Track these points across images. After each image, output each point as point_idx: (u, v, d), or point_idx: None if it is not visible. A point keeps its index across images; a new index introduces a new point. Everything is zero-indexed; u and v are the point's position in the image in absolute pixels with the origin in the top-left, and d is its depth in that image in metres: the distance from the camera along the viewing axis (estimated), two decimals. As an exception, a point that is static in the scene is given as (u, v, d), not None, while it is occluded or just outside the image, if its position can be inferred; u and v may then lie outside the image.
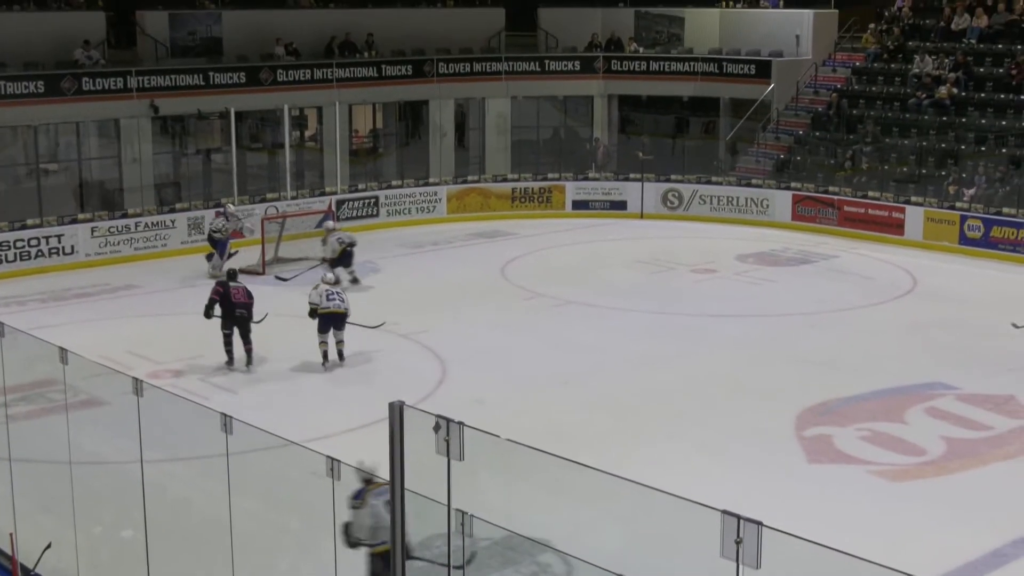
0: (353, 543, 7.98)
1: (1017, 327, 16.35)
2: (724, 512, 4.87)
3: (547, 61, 28.67)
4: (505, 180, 26.38)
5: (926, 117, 25.05)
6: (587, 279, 20.27)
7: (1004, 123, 24.13)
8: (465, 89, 27.79)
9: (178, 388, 13.38)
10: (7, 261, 20.26)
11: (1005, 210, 22.15)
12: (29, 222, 20.90)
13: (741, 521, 4.81)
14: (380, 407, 6.35)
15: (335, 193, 24.33)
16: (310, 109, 26.80)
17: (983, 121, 24.41)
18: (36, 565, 8.53)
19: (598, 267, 21.38)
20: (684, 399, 14.11)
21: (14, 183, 23.12)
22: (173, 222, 22.19)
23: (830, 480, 11.69)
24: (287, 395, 14.20)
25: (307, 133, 27.87)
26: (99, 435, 10.09)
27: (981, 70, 25.55)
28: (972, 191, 22.77)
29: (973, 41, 26.29)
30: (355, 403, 13.64)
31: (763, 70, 27.18)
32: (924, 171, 24.15)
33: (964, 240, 22.23)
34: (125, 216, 21.93)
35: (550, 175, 26.48)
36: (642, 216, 25.78)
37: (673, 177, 26.02)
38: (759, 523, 4.78)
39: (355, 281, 19.18)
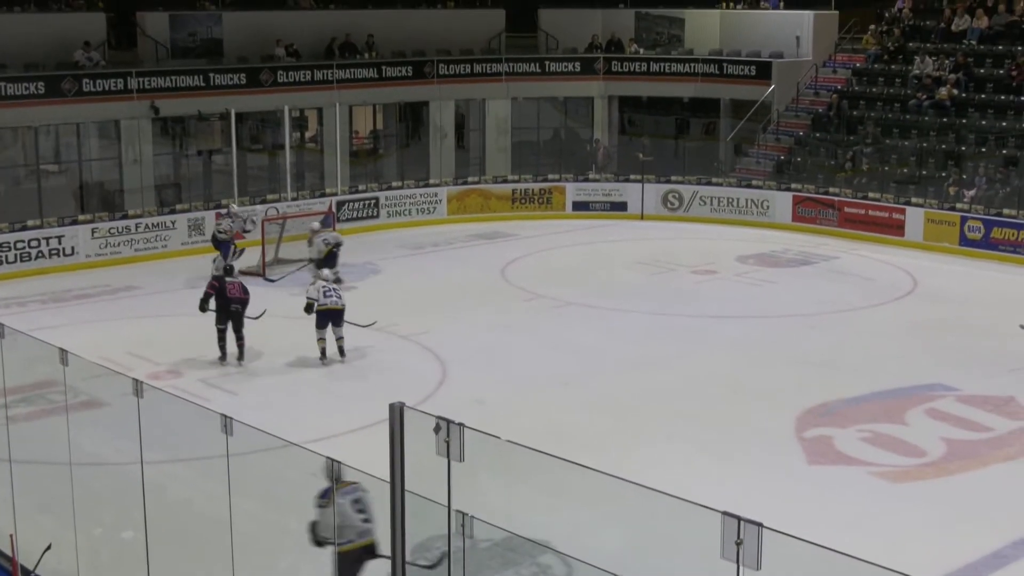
0: (320, 542, 8.05)
1: None
2: (724, 513, 4.86)
3: (547, 62, 28.68)
4: (505, 181, 26.38)
5: (926, 118, 25.06)
6: (587, 280, 20.28)
7: (1004, 124, 24.13)
8: (465, 90, 27.79)
9: (178, 389, 13.37)
10: (7, 262, 20.26)
11: (1005, 211, 22.16)
12: (29, 223, 20.90)
13: (741, 522, 4.80)
14: (380, 408, 6.36)
15: (335, 194, 24.33)
16: (310, 110, 26.82)
17: (983, 122, 24.41)
18: (36, 566, 8.53)
19: (598, 268, 21.39)
20: (684, 400, 14.10)
21: (14, 184, 23.14)
22: (173, 223, 22.19)
23: (830, 481, 11.69)
24: (287, 396, 14.21)
25: (307, 134, 27.89)
26: (99, 436, 10.09)
27: (981, 71, 25.55)
28: (972, 192, 22.77)
29: (973, 42, 26.29)
30: (355, 404, 13.64)
31: (763, 71, 27.19)
32: (924, 172, 24.15)
33: (964, 241, 22.23)
34: (125, 217, 21.93)
35: (550, 176, 26.48)
36: (642, 217, 25.78)
37: (673, 178, 26.03)
38: (759, 524, 4.78)
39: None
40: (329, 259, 19.03)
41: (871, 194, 23.95)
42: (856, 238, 23.43)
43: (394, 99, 27.34)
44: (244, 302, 15.26)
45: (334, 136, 25.17)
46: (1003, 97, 24.68)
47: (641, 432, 12.96)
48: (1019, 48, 25.43)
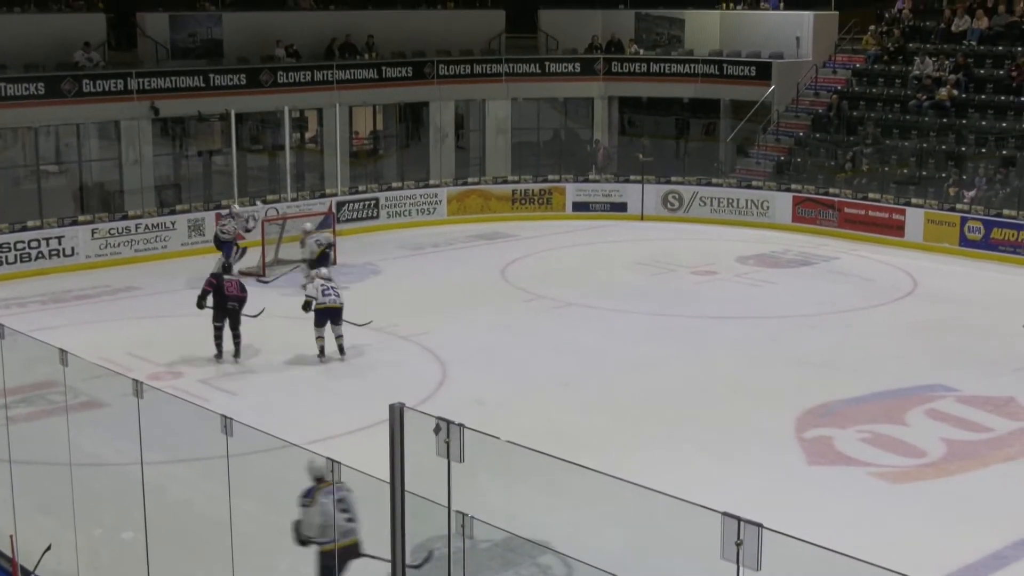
0: (303, 541, 8.07)
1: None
2: (724, 514, 4.86)
3: (547, 63, 28.67)
4: (505, 182, 26.38)
5: (926, 119, 25.06)
6: (587, 281, 20.28)
7: (1004, 125, 24.13)
8: (465, 91, 27.79)
9: (178, 390, 13.36)
10: (7, 263, 20.26)
11: (1005, 212, 22.16)
12: (29, 224, 20.90)
13: (741, 523, 4.80)
14: (380, 409, 6.35)
15: (335, 195, 24.33)
16: (310, 111, 26.81)
17: (983, 123, 24.41)
18: (36, 567, 8.53)
19: (598, 269, 21.38)
20: (684, 401, 14.11)
21: (14, 185, 23.13)
22: (173, 224, 22.19)
23: (830, 482, 11.69)
24: (287, 397, 14.21)
25: (307, 135, 27.88)
26: (99, 437, 10.09)
27: (981, 72, 25.56)
28: (972, 193, 22.77)
29: (973, 43, 26.29)
30: (355, 405, 13.64)
31: (763, 72, 27.19)
32: (924, 173, 24.16)
33: (964, 242, 22.23)
34: (125, 218, 21.93)
35: (550, 177, 26.48)
36: (642, 218, 25.78)
37: (673, 179, 26.03)
38: (759, 525, 4.78)
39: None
40: (321, 259, 19.04)
41: (871, 195, 23.95)
42: (856, 239, 23.43)
43: (394, 100, 27.34)
44: (241, 300, 15.32)
45: (334, 137, 25.17)
46: (1003, 98, 24.68)
47: (641, 433, 12.96)
48: (1019, 49, 25.43)
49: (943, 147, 24.40)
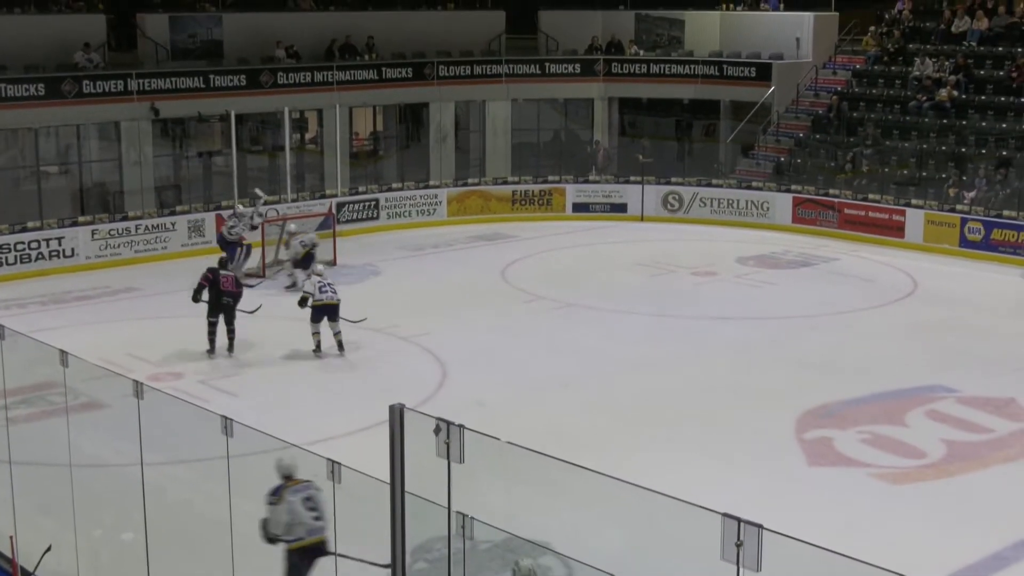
0: (270, 539, 8.09)
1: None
2: (724, 515, 4.86)
3: (547, 64, 28.66)
4: (505, 183, 26.38)
5: (926, 120, 25.06)
6: (587, 282, 20.27)
7: (1004, 126, 24.13)
8: (465, 92, 27.79)
9: (178, 391, 13.35)
10: (7, 264, 20.26)
11: (1005, 213, 22.16)
12: (29, 225, 20.90)
13: (741, 524, 4.80)
14: (380, 410, 6.36)
15: (335, 196, 24.33)
16: (310, 112, 26.82)
17: (983, 124, 24.41)
18: (36, 568, 8.53)
19: (598, 270, 21.38)
20: (684, 402, 14.10)
21: (14, 186, 23.14)
22: (173, 225, 22.19)
23: (830, 483, 11.69)
24: (287, 397, 14.21)
25: (307, 136, 27.89)
26: (99, 438, 10.09)
27: (981, 73, 25.56)
28: (972, 194, 22.76)
29: (973, 44, 26.29)
30: (355, 406, 13.64)
31: (763, 73, 27.19)
32: (924, 174, 24.16)
33: (964, 243, 22.23)
34: (125, 219, 21.93)
35: (550, 178, 26.48)
36: (642, 219, 25.78)
37: (673, 180, 26.03)
38: (759, 526, 4.78)
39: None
40: (306, 260, 19.07)
41: (871, 196, 23.95)
42: (856, 239, 23.43)
43: (394, 101, 27.34)
44: (236, 296, 15.44)
45: (334, 137, 25.17)
46: (1003, 99, 24.68)
47: (641, 433, 12.96)
48: (1019, 50, 25.43)
49: (943, 148, 24.40)
